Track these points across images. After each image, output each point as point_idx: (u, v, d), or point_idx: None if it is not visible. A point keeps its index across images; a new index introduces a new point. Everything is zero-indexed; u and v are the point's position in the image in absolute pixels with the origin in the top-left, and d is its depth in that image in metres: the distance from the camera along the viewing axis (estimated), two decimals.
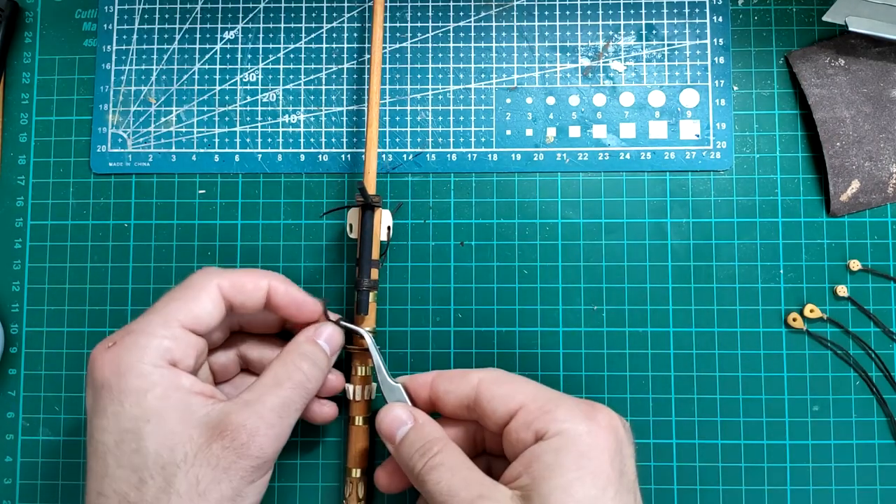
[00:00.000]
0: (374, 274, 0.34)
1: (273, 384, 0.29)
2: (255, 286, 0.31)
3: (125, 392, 0.26)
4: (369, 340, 0.33)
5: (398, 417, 0.30)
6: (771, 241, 0.37)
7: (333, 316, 0.33)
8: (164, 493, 0.25)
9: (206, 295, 0.29)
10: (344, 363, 0.37)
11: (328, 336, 0.32)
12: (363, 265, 0.34)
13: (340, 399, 0.35)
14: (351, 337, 0.34)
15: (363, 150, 0.38)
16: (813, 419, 0.36)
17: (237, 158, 0.38)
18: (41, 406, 0.37)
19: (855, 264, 0.36)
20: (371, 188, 0.35)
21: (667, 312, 0.37)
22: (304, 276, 0.37)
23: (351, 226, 0.35)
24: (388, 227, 0.35)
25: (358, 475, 0.34)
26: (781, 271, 0.37)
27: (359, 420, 0.34)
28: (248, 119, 0.38)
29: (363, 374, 0.34)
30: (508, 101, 0.38)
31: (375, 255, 0.34)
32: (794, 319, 0.36)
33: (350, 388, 0.34)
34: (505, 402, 0.29)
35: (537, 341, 0.36)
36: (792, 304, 0.36)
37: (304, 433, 0.36)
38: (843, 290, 0.36)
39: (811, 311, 0.36)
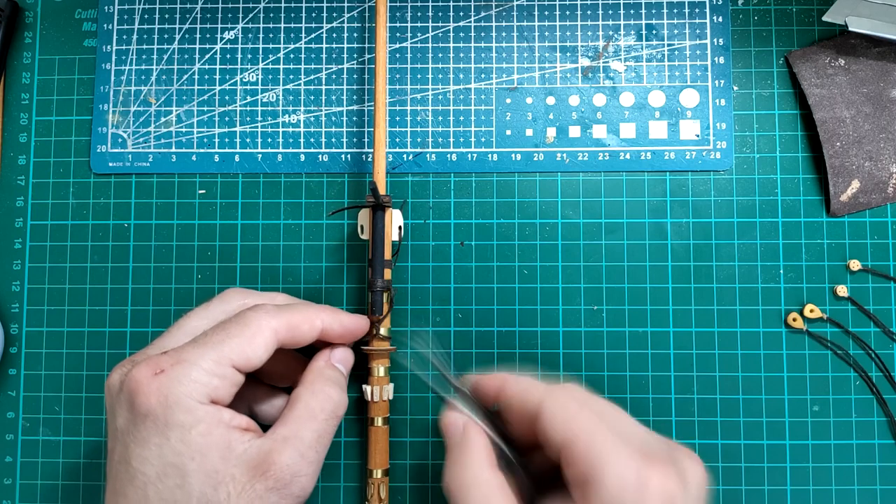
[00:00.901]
0: (388, 274, 0.34)
1: (308, 417, 0.29)
2: (310, 328, 0.30)
3: (171, 426, 0.26)
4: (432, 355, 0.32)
5: (453, 424, 0.29)
6: (771, 241, 0.37)
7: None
8: None
9: (262, 339, 0.28)
10: (363, 364, 0.37)
11: (342, 357, 0.32)
12: (376, 265, 0.34)
13: (360, 400, 0.35)
14: (368, 339, 0.34)
15: (363, 150, 0.38)
16: (813, 419, 0.36)
17: (237, 158, 0.38)
18: (41, 406, 0.37)
19: (855, 264, 0.36)
20: (381, 188, 0.35)
21: (667, 312, 0.37)
22: (304, 275, 0.37)
23: (362, 227, 0.35)
24: (399, 227, 0.35)
25: (379, 476, 0.34)
26: (781, 271, 0.37)
27: (378, 421, 0.34)
28: (248, 119, 0.38)
29: (381, 374, 0.34)
30: (508, 101, 0.38)
31: (388, 255, 0.34)
32: (794, 319, 0.36)
33: (368, 389, 0.34)
34: (559, 435, 0.26)
35: (537, 341, 0.36)
36: (792, 304, 0.37)
37: None
38: (843, 290, 0.36)
39: (811, 311, 0.36)
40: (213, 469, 0.26)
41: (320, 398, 0.29)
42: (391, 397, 0.35)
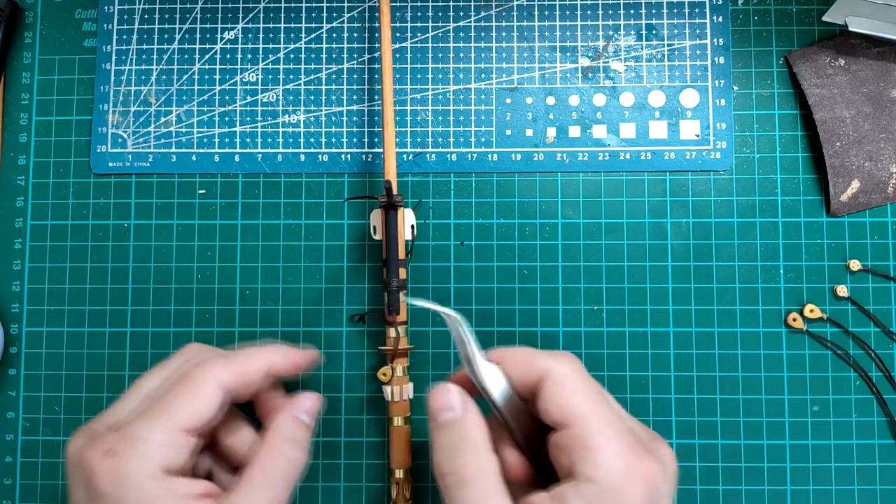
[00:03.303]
0: (402, 273, 0.34)
1: (266, 482, 0.28)
2: (257, 371, 0.29)
3: None
4: (456, 323, 0.28)
5: (447, 402, 0.28)
6: (771, 241, 0.37)
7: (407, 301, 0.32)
8: None
9: (207, 392, 0.28)
10: (381, 364, 0.37)
11: (308, 407, 0.31)
12: (391, 265, 0.34)
13: (380, 400, 0.36)
14: (384, 338, 0.34)
15: (363, 150, 0.38)
16: (813, 419, 0.36)
17: (237, 158, 0.38)
18: (41, 406, 0.37)
19: (855, 264, 0.36)
20: (393, 188, 0.34)
21: (667, 312, 0.37)
22: (304, 275, 0.37)
23: (374, 227, 0.35)
24: (412, 226, 0.35)
25: (401, 476, 0.34)
26: (781, 271, 0.37)
27: (398, 421, 0.34)
28: (248, 119, 0.38)
29: (400, 374, 0.34)
30: (508, 101, 0.38)
31: (402, 254, 0.34)
32: (794, 319, 0.36)
33: (388, 389, 0.34)
34: (557, 412, 0.26)
35: (537, 341, 0.36)
36: (792, 304, 0.36)
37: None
38: (843, 290, 0.36)
39: (811, 311, 0.36)
40: None
41: (279, 462, 0.28)
42: (411, 397, 0.35)
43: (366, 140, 0.38)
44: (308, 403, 0.31)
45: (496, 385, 0.28)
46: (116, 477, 0.26)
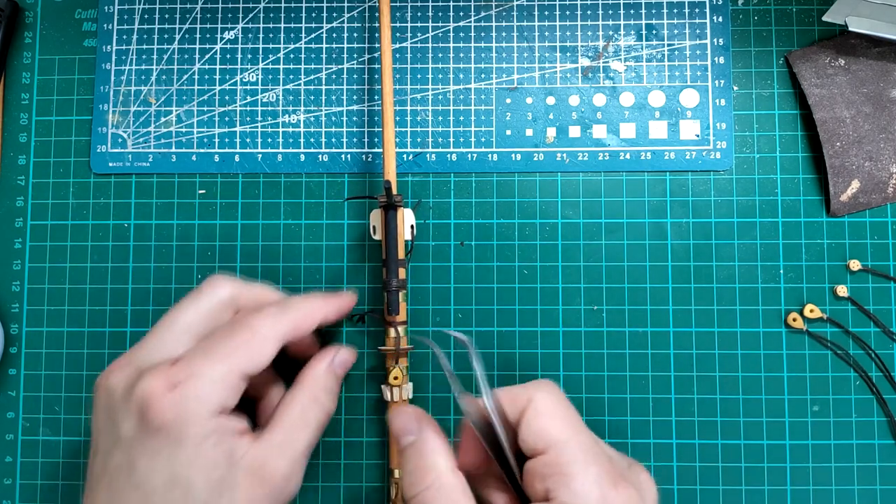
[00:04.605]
0: (402, 273, 0.34)
1: (302, 425, 0.30)
2: (311, 324, 0.31)
3: (184, 439, 0.26)
4: (473, 351, 0.29)
5: (403, 425, 0.29)
6: (771, 241, 0.37)
7: (455, 335, 0.31)
8: None
9: (270, 347, 0.29)
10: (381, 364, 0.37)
11: (343, 360, 0.33)
12: (390, 265, 0.34)
13: (379, 400, 0.36)
14: (383, 338, 0.34)
15: (363, 150, 0.38)
16: (813, 419, 0.36)
17: (237, 158, 0.38)
18: (41, 406, 0.37)
19: (855, 264, 0.36)
20: (392, 188, 0.34)
21: (667, 312, 0.37)
22: (303, 275, 0.37)
23: (374, 227, 0.35)
24: (412, 226, 0.35)
25: (400, 476, 0.34)
26: (781, 271, 0.37)
27: None
28: (248, 119, 0.38)
29: (398, 374, 0.34)
30: (508, 101, 0.38)
31: (401, 254, 0.34)
32: (794, 319, 0.36)
33: (386, 389, 0.34)
34: (536, 438, 0.26)
35: (537, 341, 0.36)
36: (792, 304, 0.37)
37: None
38: (843, 290, 0.36)
39: (811, 311, 0.36)
40: (219, 478, 0.27)
41: (315, 408, 0.30)
42: (410, 396, 0.35)
43: (366, 140, 0.38)
44: (345, 357, 0.33)
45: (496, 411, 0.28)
46: (178, 410, 0.26)
